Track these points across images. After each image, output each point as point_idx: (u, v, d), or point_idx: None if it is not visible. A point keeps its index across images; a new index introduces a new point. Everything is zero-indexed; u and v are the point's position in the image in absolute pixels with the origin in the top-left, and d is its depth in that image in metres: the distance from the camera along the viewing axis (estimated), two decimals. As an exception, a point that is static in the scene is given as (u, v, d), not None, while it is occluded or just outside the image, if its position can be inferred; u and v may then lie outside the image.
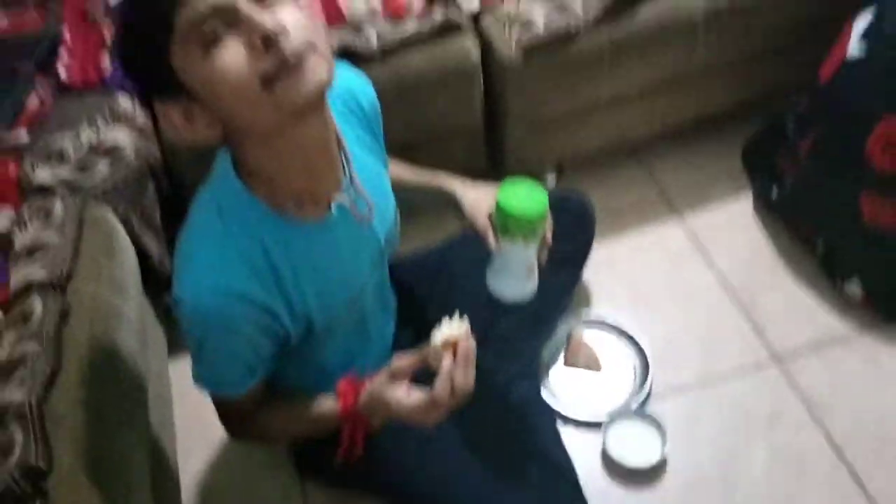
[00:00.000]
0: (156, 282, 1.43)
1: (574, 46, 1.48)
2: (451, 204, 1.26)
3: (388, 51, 1.44)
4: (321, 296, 1.01)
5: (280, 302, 0.97)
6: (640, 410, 1.42)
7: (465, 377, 0.95)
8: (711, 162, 1.82)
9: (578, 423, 1.43)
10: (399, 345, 1.27)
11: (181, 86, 0.82)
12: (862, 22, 1.41)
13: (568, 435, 1.40)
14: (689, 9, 1.50)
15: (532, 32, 1.45)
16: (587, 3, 1.47)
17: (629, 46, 1.50)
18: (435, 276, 1.40)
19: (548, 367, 1.51)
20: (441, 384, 0.94)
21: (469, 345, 0.96)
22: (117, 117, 1.40)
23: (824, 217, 1.54)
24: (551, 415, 1.42)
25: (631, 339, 1.53)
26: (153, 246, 1.41)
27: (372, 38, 1.44)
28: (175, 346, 1.51)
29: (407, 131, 1.52)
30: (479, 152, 1.66)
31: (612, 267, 1.66)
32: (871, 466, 1.35)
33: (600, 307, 1.60)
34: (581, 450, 1.39)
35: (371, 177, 1.09)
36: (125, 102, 1.43)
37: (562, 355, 1.53)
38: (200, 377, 1.04)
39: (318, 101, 0.86)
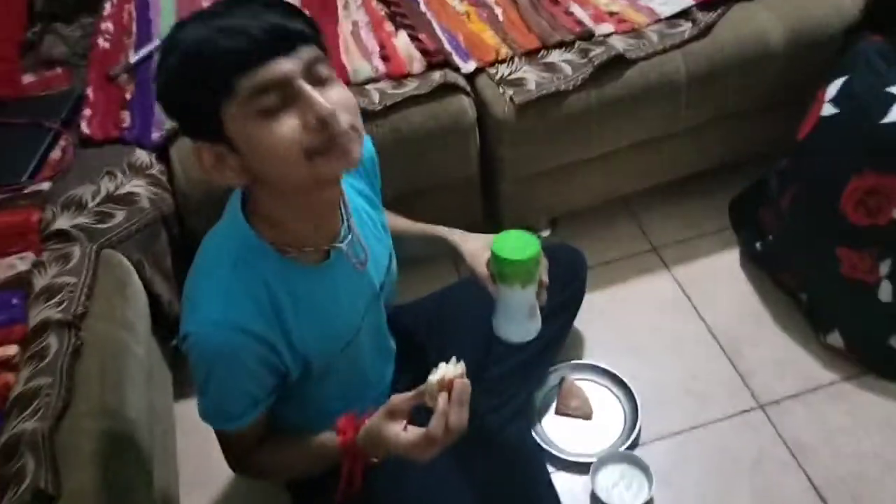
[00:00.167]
0: (165, 324, 1.50)
1: (564, 106, 1.57)
2: (451, 254, 1.31)
3: (389, 107, 1.53)
4: (319, 334, 1.07)
5: (281, 338, 1.03)
6: (627, 454, 1.46)
7: (460, 416, 0.98)
8: (700, 217, 1.89)
9: (568, 465, 1.47)
10: (398, 389, 1.31)
11: (223, 136, 0.90)
12: (835, 84, 1.49)
13: (558, 476, 1.45)
14: (672, 72, 1.60)
15: (524, 92, 1.55)
16: (575, 66, 1.57)
17: (616, 107, 1.59)
18: (432, 323, 1.46)
19: (540, 414, 1.56)
20: (436, 422, 0.97)
21: (464, 384, 0.99)
22: (134, 169, 1.50)
23: (805, 269, 1.61)
24: (542, 457, 1.46)
25: (621, 385, 1.58)
26: (164, 290, 1.48)
27: (375, 97, 1.54)
28: (181, 387, 1.56)
29: (407, 183, 1.60)
30: (475, 204, 1.74)
31: (603, 317, 1.72)
32: (853, 510, 1.39)
33: (592, 355, 1.66)
34: (570, 491, 1.43)
35: (368, 225, 1.17)
36: (142, 156, 1.52)
37: (554, 402, 1.58)
38: (206, 411, 1.09)
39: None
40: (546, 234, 1.88)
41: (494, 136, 1.61)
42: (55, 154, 1.52)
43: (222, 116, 0.88)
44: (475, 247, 1.26)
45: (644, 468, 1.43)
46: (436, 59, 1.60)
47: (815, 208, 1.52)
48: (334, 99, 0.90)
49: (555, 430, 1.53)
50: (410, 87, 1.56)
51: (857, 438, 1.48)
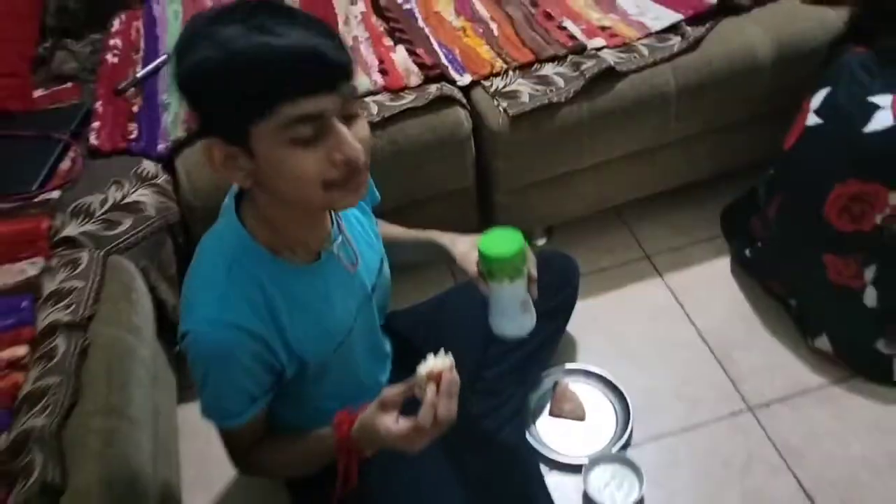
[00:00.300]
0: (170, 330, 1.54)
1: (556, 117, 1.62)
2: (442, 257, 1.35)
3: (387, 119, 1.58)
4: (312, 332, 1.11)
5: (276, 336, 1.07)
6: (619, 454, 1.49)
7: (448, 407, 1.01)
8: (692, 226, 1.94)
9: (561, 466, 1.51)
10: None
11: (245, 144, 0.93)
12: (819, 95, 1.54)
13: (551, 477, 1.48)
14: (662, 84, 1.64)
15: (518, 104, 1.59)
16: (567, 78, 1.62)
17: (607, 118, 1.64)
18: (429, 326, 1.50)
19: (534, 416, 1.60)
20: (425, 412, 1.00)
21: (452, 377, 1.02)
22: (141, 179, 1.55)
23: (793, 276, 1.65)
24: (536, 458, 1.50)
25: (614, 388, 1.61)
26: (169, 296, 1.53)
27: (373, 109, 1.59)
28: (185, 392, 1.60)
29: (404, 193, 1.65)
30: (471, 213, 1.78)
31: (597, 323, 1.76)
32: (841, 511, 1.41)
33: (585, 360, 1.69)
34: (563, 491, 1.46)
35: (357, 229, 1.22)
36: (148, 166, 1.57)
37: (548, 405, 1.61)
38: (206, 408, 1.13)
39: None
40: (542, 242, 1.92)
41: (489, 147, 1.66)
42: (65, 164, 1.58)
43: (251, 130, 0.91)
44: (464, 248, 1.30)
45: (635, 468, 1.46)
46: (432, 73, 1.65)
47: (801, 216, 1.56)
48: (360, 136, 0.95)
49: (549, 432, 1.57)
50: (408, 99, 1.61)
51: (846, 441, 1.51)
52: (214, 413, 1.14)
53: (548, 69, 1.65)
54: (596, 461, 1.48)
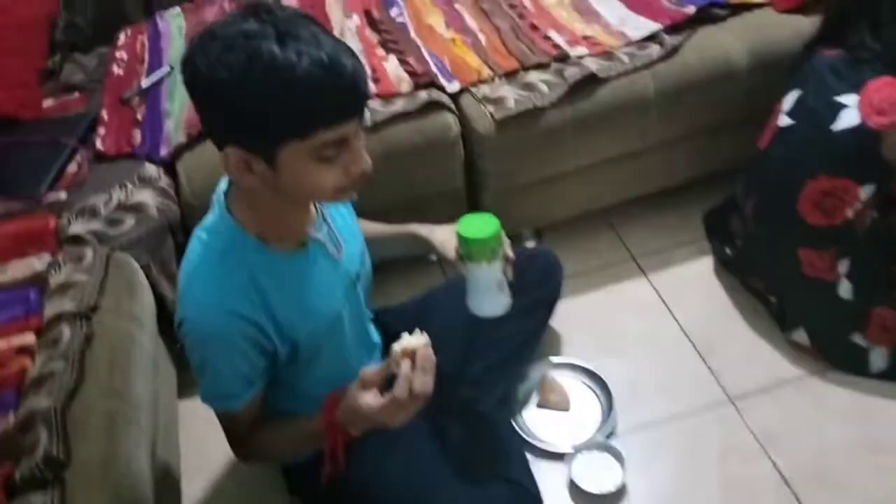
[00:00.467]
0: (170, 325, 1.60)
1: (541, 121, 1.69)
2: (423, 246, 1.41)
3: (379, 124, 1.66)
4: (303, 316, 1.18)
5: (268, 320, 1.13)
6: (602, 442, 1.54)
7: (423, 381, 1.06)
8: (676, 227, 2.00)
9: (547, 454, 1.56)
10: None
11: (270, 156, 0.99)
12: (791, 97, 1.61)
13: (537, 465, 1.53)
14: (641, 89, 1.72)
15: (504, 109, 1.67)
16: (551, 85, 1.70)
17: (589, 122, 1.72)
18: (417, 321, 1.54)
19: (522, 407, 1.65)
20: (400, 386, 1.05)
21: (427, 353, 1.07)
22: (144, 181, 1.62)
23: (771, 272, 1.71)
24: (522, 445, 1.55)
25: (598, 381, 1.67)
26: (169, 291, 1.59)
27: (366, 115, 1.66)
28: (185, 388, 1.66)
29: (396, 195, 1.72)
30: (460, 213, 1.80)
31: (583, 319, 1.82)
32: (817, 496, 1.45)
33: (572, 354, 1.75)
34: (549, 478, 1.51)
35: (342, 221, 1.29)
36: (151, 170, 1.65)
37: (535, 396, 1.67)
38: (205, 393, 1.19)
39: None
40: (531, 244, 1.98)
41: (477, 150, 1.73)
42: (71, 168, 1.66)
43: (281, 144, 0.98)
44: (443, 235, 1.37)
45: (617, 455, 1.51)
46: (422, 80, 1.73)
47: (776, 212, 1.62)
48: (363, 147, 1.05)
49: (535, 422, 1.62)
50: (399, 105, 1.69)
51: (822, 429, 1.56)
52: (213, 397, 1.20)
53: (533, 76, 1.73)
54: (580, 449, 1.53)
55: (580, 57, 1.76)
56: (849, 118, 1.47)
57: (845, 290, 1.58)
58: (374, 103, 1.70)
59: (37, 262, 1.45)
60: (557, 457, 1.55)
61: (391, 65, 1.79)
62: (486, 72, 1.76)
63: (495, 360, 1.55)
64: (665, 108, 1.75)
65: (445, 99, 1.72)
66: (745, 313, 1.78)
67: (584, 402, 1.65)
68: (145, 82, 1.86)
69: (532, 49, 1.79)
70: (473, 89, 1.74)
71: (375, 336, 1.48)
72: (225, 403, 1.20)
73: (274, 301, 1.13)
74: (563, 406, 1.64)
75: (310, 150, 0.98)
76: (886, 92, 1.45)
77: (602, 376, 1.67)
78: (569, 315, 1.78)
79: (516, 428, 1.59)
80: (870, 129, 1.43)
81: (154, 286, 1.55)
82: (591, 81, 1.71)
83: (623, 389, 1.65)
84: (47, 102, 1.87)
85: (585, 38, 1.81)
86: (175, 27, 2.04)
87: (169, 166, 1.68)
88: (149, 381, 1.37)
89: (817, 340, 1.65)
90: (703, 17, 1.81)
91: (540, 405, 1.65)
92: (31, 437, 1.15)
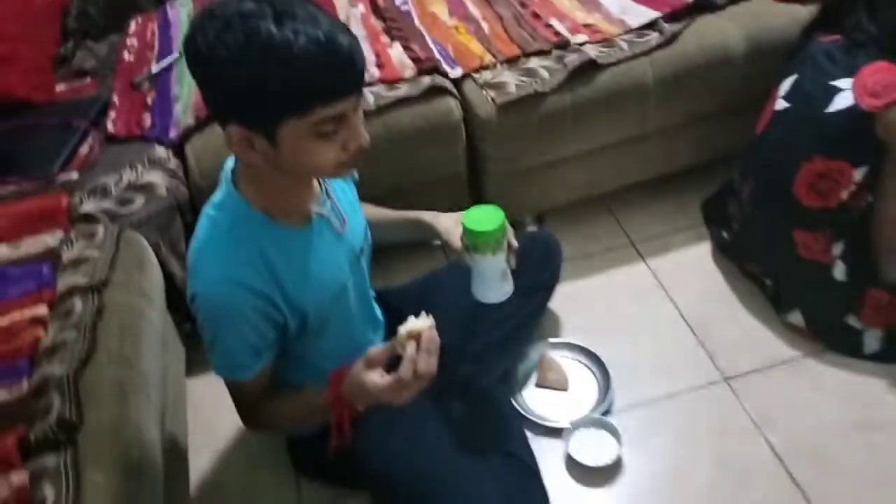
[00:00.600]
0: (179, 305, 1.64)
1: (541, 107, 1.73)
2: (427, 232, 1.44)
3: (383, 108, 1.69)
4: (310, 287, 1.21)
5: (276, 292, 1.17)
6: (599, 418, 1.58)
7: (427, 362, 1.09)
8: (675, 213, 2.03)
9: (545, 430, 1.59)
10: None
11: (271, 133, 1.02)
12: (787, 82, 1.64)
13: (535, 440, 1.56)
14: (640, 76, 1.75)
15: (505, 94, 1.71)
16: (552, 71, 1.73)
17: (588, 108, 1.75)
18: (420, 301, 1.57)
19: (521, 386, 1.69)
20: (405, 366, 1.09)
21: (431, 335, 1.11)
22: (153, 163, 1.66)
23: (767, 254, 1.73)
24: (521, 422, 1.59)
25: (596, 360, 1.70)
26: (177, 270, 1.63)
27: (370, 99, 1.71)
28: (193, 366, 1.70)
29: (399, 177, 1.76)
30: (463, 197, 1.89)
31: (582, 302, 1.85)
32: (811, 474, 1.48)
33: (571, 336, 1.78)
34: (547, 453, 1.54)
35: (344, 198, 1.33)
36: (160, 152, 1.69)
37: (534, 376, 1.70)
38: (218, 365, 1.23)
39: None
40: (533, 229, 2.02)
41: (479, 134, 1.77)
42: (83, 149, 1.70)
43: (281, 121, 1.01)
44: (448, 224, 1.39)
45: (614, 431, 1.54)
46: (426, 66, 1.77)
47: (772, 195, 1.65)
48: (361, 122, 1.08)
49: (534, 401, 1.65)
50: (402, 90, 1.73)
51: (817, 409, 1.58)
52: (224, 368, 1.23)
53: (534, 62, 1.77)
54: (577, 425, 1.57)
55: (580, 44, 1.79)
56: (843, 100, 1.50)
57: (840, 271, 1.60)
58: (378, 88, 1.74)
59: (50, 239, 1.49)
60: (555, 432, 1.58)
61: (395, 51, 1.83)
62: (489, 58, 1.79)
63: (496, 339, 1.59)
64: (663, 94, 1.78)
65: (448, 84, 1.76)
66: (741, 296, 1.81)
67: (582, 382, 1.69)
68: (155, 68, 1.90)
69: (533, 36, 1.83)
70: (475, 75, 1.77)
71: (380, 314, 1.52)
72: (235, 374, 1.24)
73: (281, 273, 1.17)
74: (561, 385, 1.68)
75: (309, 126, 1.01)
76: (880, 76, 1.48)
77: (600, 356, 1.70)
78: (568, 298, 1.82)
79: (516, 406, 1.62)
80: (863, 110, 1.46)
81: (163, 264, 1.59)
82: (590, 68, 1.74)
83: (620, 369, 1.68)
84: (60, 87, 1.92)
85: (586, 25, 1.84)
86: (184, 14, 2.09)
87: (178, 148, 1.72)
88: (158, 354, 1.41)
89: (812, 322, 1.68)
90: (702, 6, 1.84)
91: (539, 384, 1.69)
92: (45, 401, 1.18)
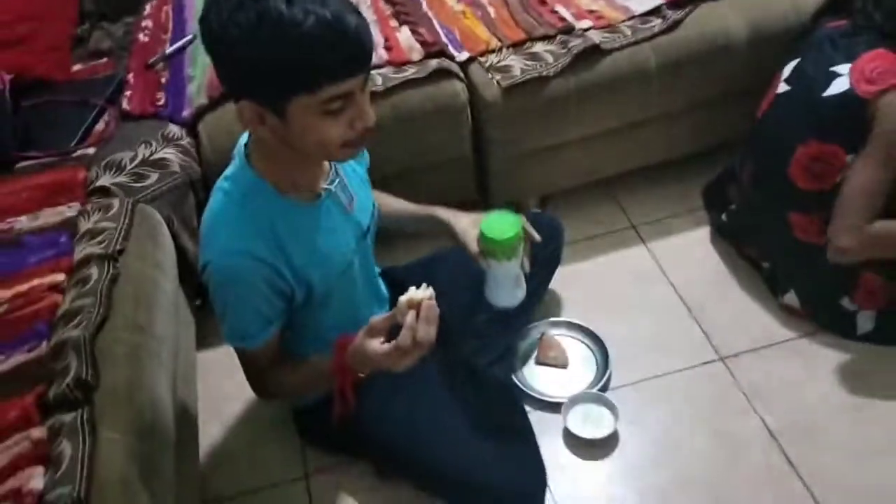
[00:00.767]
0: (190, 279, 1.69)
1: (545, 90, 1.76)
2: (443, 231, 1.46)
3: (390, 89, 1.74)
4: (317, 260, 1.26)
5: (284, 264, 1.22)
6: (596, 394, 1.62)
7: (426, 330, 1.13)
8: (676, 198, 2.07)
9: (544, 404, 1.64)
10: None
11: (280, 109, 1.07)
12: (790, 66, 1.67)
13: (535, 415, 1.61)
14: (642, 61, 1.79)
15: (510, 77, 1.75)
16: (556, 55, 1.77)
17: (592, 92, 1.79)
18: (424, 277, 1.62)
19: (522, 363, 1.73)
20: (404, 334, 1.13)
21: (431, 304, 1.14)
22: (167, 140, 1.71)
23: (764, 236, 1.77)
24: (520, 395, 1.63)
25: (596, 338, 1.74)
26: (189, 245, 1.68)
27: (378, 80, 1.75)
28: (203, 339, 1.75)
29: (406, 158, 1.81)
30: (468, 179, 1.93)
31: (583, 283, 1.89)
32: (802, 450, 1.52)
33: (571, 315, 1.82)
34: (546, 427, 1.59)
35: (355, 177, 1.37)
36: (174, 129, 1.74)
37: (535, 353, 1.75)
38: (229, 333, 1.28)
39: None
40: (536, 211, 2.06)
41: (484, 117, 1.81)
42: (99, 126, 1.76)
43: (290, 98, 1.05)
44: (465, 225, 1.42)
45: (610, 406, 1.59)
46: (433, 49, 1.81)
47: (769, 177, 1.69)
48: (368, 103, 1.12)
49: (534, 377, 1.70)
50: (410, 72, 1.77)
51: (809, 388, 1.63)
52: (235, 336, 1.28)
53: (538, 47, 1.81)
54: (575, 400, 1.61)
55: (585, 30, 1.83)
56: (840, 85, 1.53)
57: (834, 254, 1.64)
58: (386, 70, 1.78)
59: (67, 210, 1.54)
60: (554, 407, 1.63)
61: (403, 35, 1.87)
62: (494, 42, 1.83)
63: (496, 315, 1.62)
64: (665, 79, 1.82)
65: (454, 67, 1.80)
66: (738, 279, 1.85)
67: (581, 359, 1.73)
68: (169, 49, 1.95)
69: (539, 21, 1.87)
70: (481, 58, 1.81)
71: (384, 291, 1.57)
72: (245, 342, 1.28)
73: (290, 246, 1.22)
74: (561, 362, 1.72)
75: (317, 104, 1.05)
76: (878, 62, 1.51)
77: (599, 335, 1.74)
78: (569, 278, 1.86)
79: (516, 381, 1.67)
80: (857, 96, 1.49)
81: (175, 238, 1.64)
82: (594, 53, 1.78)
83: (619, 347, 1.73)
84: (76, 67, 1.97)
85: (591, 12, 1.88)
86: (198, -3, 2.13)
87: (191, 127, 1.77)
88: (170, 322, 1.46)
89: (807, 303, 1.71)
90: (705, -7, 1.88)
91: (539, 362, 1.73)
92: (63, 363, 1.23)
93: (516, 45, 1.82)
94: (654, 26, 1.82)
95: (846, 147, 1.54)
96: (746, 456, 1.53)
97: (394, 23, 1.94)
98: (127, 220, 1.52)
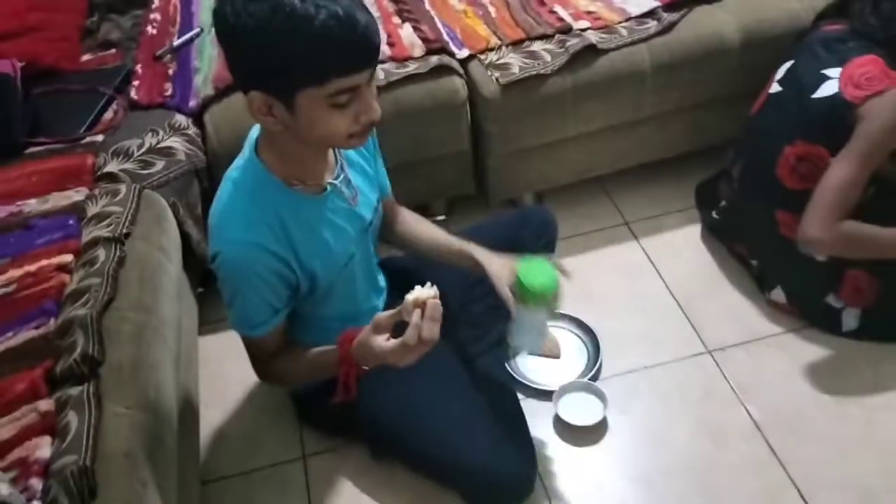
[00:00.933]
0: (194, 266, 1.73)
1: (543, 87, 1.81)
2: (475, 269, 1.44)
3: (392, 83, 1.78)
4: (320, 252, 1.31)
5: (291, 254, 1.26)
6: (586, 382, 1.66)
7: (431, 329, 1.16)
8: (669, 197, 2.12)
9: (536, 392, 1.68)
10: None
11: (289, 101, 1.10)
12: (784, 67, 1.72)
13: (527, 403, 1.65)
14: (638, 61, 1.84)
15: (509, 74, 1.79)
16: (554, 54, 1.82)
17: (587, 91, 1.84)
18: (421, 267, 1.68)
19: (515, 353, 1.77)
20: (410, 332, 1.16)
21: (435, 303, 1.17)
22: (174, 129, 1.76)
23: (752, 234, 1.82)
24: (512, 382, 1.68)
25: (587, 330, 1.79)
26: (194, 232, 1.72)
27: (380, 75, 1.79)
28: (204, 325, 1.80)
29: (406, 152, 1.85)
30: (466, 173, 1.98)
31: (575, 277, 1.87)
32: (786, 441, 1.56)
33: (563, 307, 1.85)
34: (537, 414, 1.63)
35: (360, 172, 1.41)
36: (181, 119, 1.79)
37: (528, 344, 1.79)
38: (235, 321, 1.32)
39: None
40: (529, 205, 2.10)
41: (483, 113, 1.85)
42: (108, 114, 1.80)
43: (299, 90, 1.08)
44: (498, 267, 1.41)
45: (600, 395, 1.63)
46: (434, 46, 1.86)
47: (758, 175, 1.74)
48: (374, 96, 1.16)
49: (527, 366, 1.74)
50: (411, 67, 1.82)
51: (795, 381, 1.67)
52: (242, 324, 1.33)
53: (537, 46, 1.86)
54: (566, 388, 1.66)
55: (582, 30, 1.88)
56: (829, 88, 1.58)
57: (820, 252, 1.68)
58: (388, 65, 1.83)
59: (75, 195, 1.58)
60: (546, 395, 1.67)
61: (406, 32, 1.92)
62: (494, 41, 1.88)
63: (490, 305, 1.66)
64: (660, 80, 1.87)
65: (455, 64, 1.85)
66: (728, 275, 1.90)
67: (573, 350, 1.77)
68: (177, 42, 1.99)
69: (538, 21, 1.92)
70: (481, 56, 1.86)
71: (382, 281, 1.61)
72: (252, 330, 1.33)
73: (296, 238, 1.26)
74: (553, 353, 1.76)
75: (325, 96, 1.09)
76: (867, 68, 1.55)
77: (591, 327, 1.79)
78: (563, 272, 1.90)
79: (509, 370, 1.71)
80: (844, 99, 1.53)
81: (180, 224, 1.68)
82: (591, 52, 1.83)
83: (610, 339, 1.77)
84: (85, 57, 2.01)
85: (588, 12, 1.93)
86: (205, -8, 2.18)
87: (197, 117, 1.81)
88: (174, 304, 1.50)
89: (794, 300, 1.76)
90: (700, -4, 1.93)
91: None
92: (70, 339, 1.28)
93: (515, 44, 1.87)
94: (649, 28, 1.87)
95: (831, 149, 1.57)
96: (731, 446, 1.57)
97: (397, 20, 1.98)
98: (134, 205, 1.56)
